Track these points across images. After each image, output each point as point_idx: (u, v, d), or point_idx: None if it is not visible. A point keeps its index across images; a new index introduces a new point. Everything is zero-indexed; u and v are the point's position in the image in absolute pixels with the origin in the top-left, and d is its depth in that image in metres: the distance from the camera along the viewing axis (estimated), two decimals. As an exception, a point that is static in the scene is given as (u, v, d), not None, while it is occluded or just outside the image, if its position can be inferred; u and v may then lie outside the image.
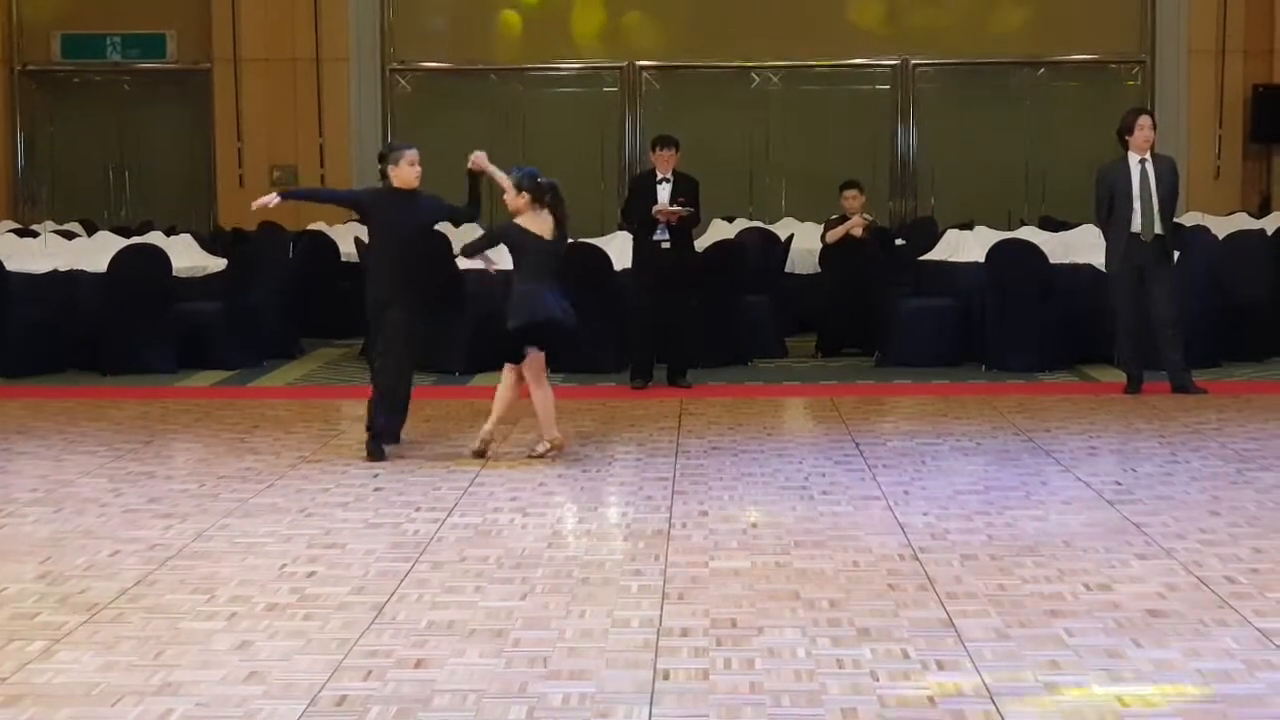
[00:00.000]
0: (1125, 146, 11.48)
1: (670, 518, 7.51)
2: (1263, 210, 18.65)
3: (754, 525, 7.37)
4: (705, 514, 7.60)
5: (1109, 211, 11.48)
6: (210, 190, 20.57)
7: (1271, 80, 19.75)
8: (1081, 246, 13.37)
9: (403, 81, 20.77)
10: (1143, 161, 11.40)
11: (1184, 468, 8.68)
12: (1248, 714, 4.74)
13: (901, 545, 6.90)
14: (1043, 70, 20.81)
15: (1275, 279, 14.02)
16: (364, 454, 9.02)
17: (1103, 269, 11.99)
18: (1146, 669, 5.15)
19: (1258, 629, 5.58)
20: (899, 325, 13.49)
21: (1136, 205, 11.34)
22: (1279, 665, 5.18)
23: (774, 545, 6.93)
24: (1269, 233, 15.06)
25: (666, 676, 5.10)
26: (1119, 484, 8.23)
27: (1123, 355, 11.70)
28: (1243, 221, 16.37)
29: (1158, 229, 11.36)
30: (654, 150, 12.10)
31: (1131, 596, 6.03)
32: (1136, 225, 11.35)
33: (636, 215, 12.05)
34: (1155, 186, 11.37)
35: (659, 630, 5.61)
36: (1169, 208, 11.47)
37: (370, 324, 9.45)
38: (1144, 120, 11.51)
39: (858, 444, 9.48)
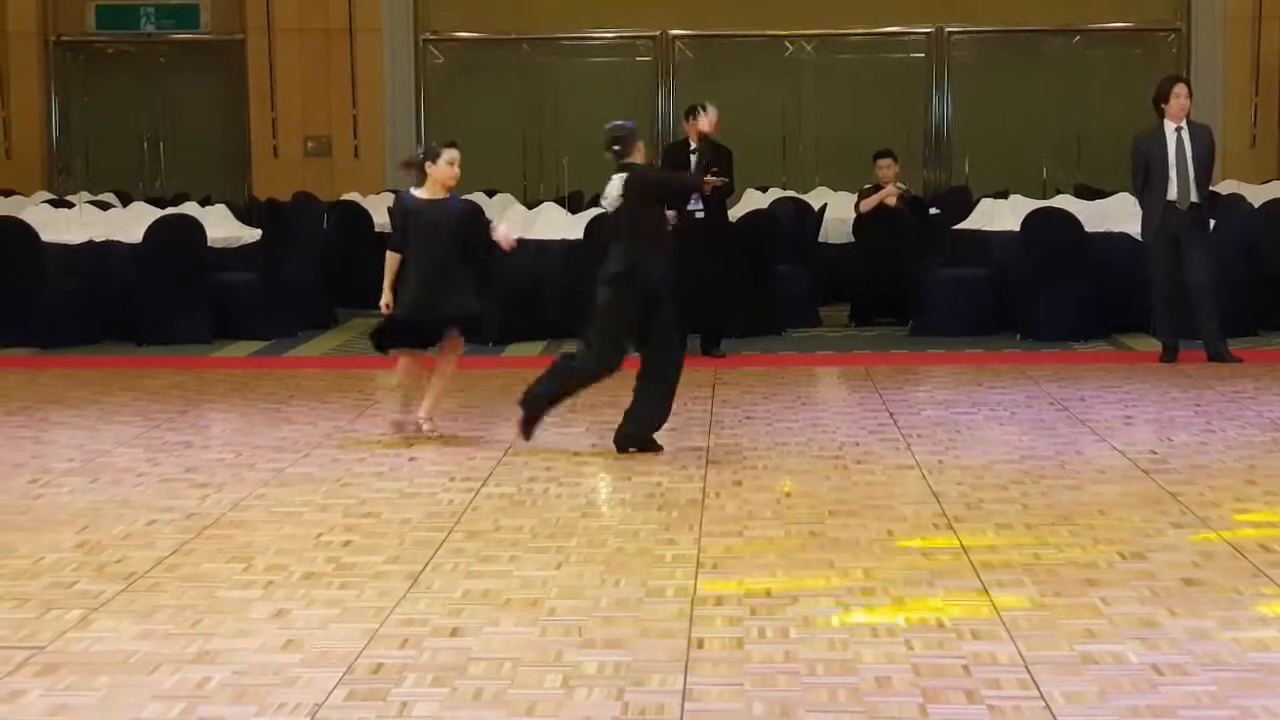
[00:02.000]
0: (1161, 115, 11.41)
1: (704, 487, 7.51)
2: (1299, 178, 18.53)
3: (788, 495, 7.37)
4: (739, 483, 7.60)
5: (1145, 180, 11.42)
6: (245, 161, 20.62)
7: (1309, 47, 19.61)
8: (1117, 215, 13.30)
9: (435, 51, 20.77)
10: (1179, 129, 11.33)
11: (1220, 437, 8.64)
12: (1284, 683, 4.73)
13: (936, 515, 6.89)
14: (1078, 38, 20.70)
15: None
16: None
17: (1138, 238, 11.93)
18: (1182, 638, 5.13)
19: (1294, 598, 5.57)
20: (933, 294, 13.45)
21: (1173, 174, 11.27)
22: (1316, 635, 5.16)
23: (808, 515, 6.93)
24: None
25: (701, 645, 5.11)
26: (1154, 453, 8.20)
27: (1158, 324, 11.65)
28: (1279, 189, 16.25)
29: (1194, 197, 11.29)
30: (687, 120, 12.08)
31: (1167, 565, 6.02)
32: (1173, 194, 11.28)
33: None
34: (1191, 155, 11.29)
35: (693, 599, 5.62)
36: (1205, 176, 11.40)
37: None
38: (1180, 88, 11.44)
39: (892, 413, 9.47)
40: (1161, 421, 9.22)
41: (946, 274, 13.60)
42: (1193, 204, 11.29)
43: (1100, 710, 4.53)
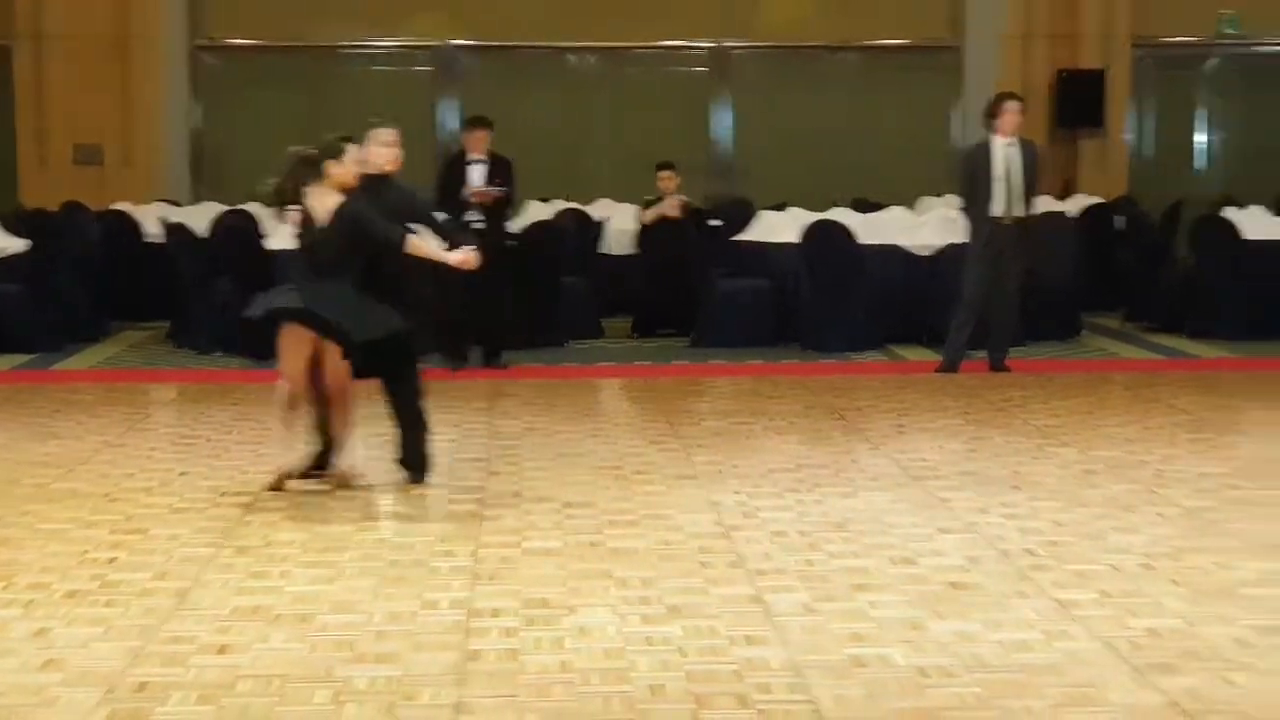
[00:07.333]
0: (990, 129, 11.54)
1: (483, 498, 7.47)
2: (1065, 193, 19.06)
3: (567, 505, 7.36)
4: (518, 495, 7.57)
5: (972, 194, 11.50)
6: (11, 170, 19.99)
7: (1076, 65, 20.16)
8: (891, 228, 13.54)
9: (212, 59, 20.39)
10: (1008, 145, 11.45)
11: (988, 444, 8.85)
12: (1045, 683, 4.84)
13: (713, 524, 6.94)
14: (857, 54, 21.04)
15: (1077, 260, 14.38)
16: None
17: (913, 250, 12.11)
18: (948, 640, 5.24)
19: (1056, 600, 5.71)
20: (715, 306, 13.56)
21: (998, 188, 11.32)
22: (1076, 635, 5.30)
23: (587, 525, 6.94)
24: (1070, 215, 15.43)
25: (476, 657, 5.08)
26: (925, 460, 8.37)
27: (957, 337, 11.58)
28: (1046, 204, 16.70)
29: (1018, 211, 11.44)
30: (466, 131, 12.02)
31: (935, 569, 6.14)
32: (998, 209, 11.38)
33: (448, 197, 11.93)
34: (1018, 169, 11.41)
35: (469, 611, 5.59)
36: (1030, 191, 11.49)
37: None
38: (1011, 105, 11.49)
39: (672, 424, 9.51)
40: (933, 430, 9.41)
41: (728, 285, 13.72)
42: (1016, 218, 11.44)
43: (868, 713, 4.59)
